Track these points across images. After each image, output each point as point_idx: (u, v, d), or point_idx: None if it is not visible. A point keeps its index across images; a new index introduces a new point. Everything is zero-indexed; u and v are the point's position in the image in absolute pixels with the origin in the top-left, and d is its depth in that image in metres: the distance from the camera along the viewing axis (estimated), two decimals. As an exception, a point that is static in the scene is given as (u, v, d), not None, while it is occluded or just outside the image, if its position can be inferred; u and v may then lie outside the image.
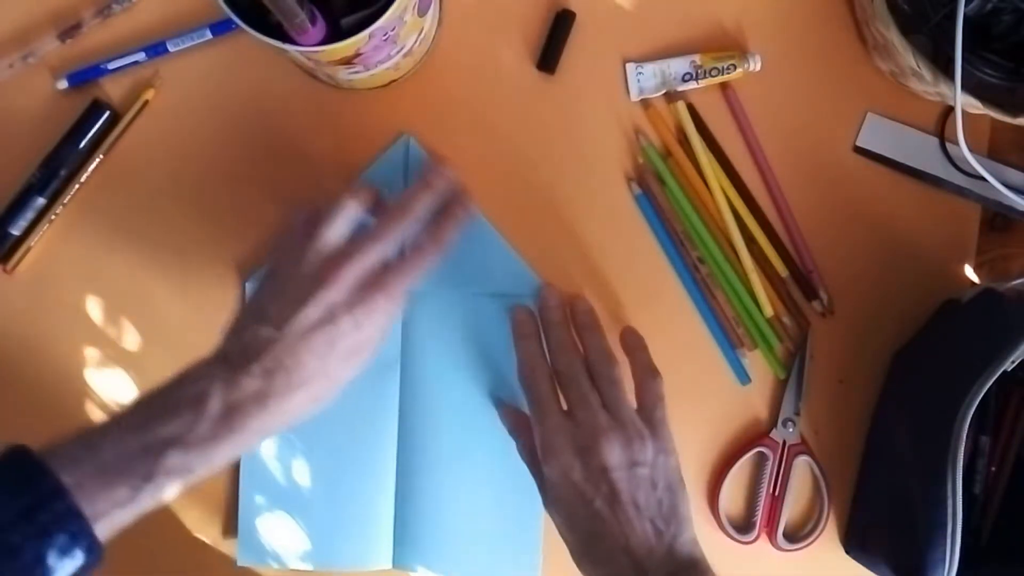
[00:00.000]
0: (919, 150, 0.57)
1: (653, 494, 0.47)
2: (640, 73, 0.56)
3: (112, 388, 0.56)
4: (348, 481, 0.55)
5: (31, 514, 0.36)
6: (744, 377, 0.57)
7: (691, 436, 0.57)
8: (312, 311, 0.44)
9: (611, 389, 0.49)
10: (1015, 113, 0.50)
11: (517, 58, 0.56)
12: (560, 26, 0.55)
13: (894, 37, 0.49)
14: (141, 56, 0.54)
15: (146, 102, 0.55)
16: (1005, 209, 0.57)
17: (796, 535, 0.58)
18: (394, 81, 0.55)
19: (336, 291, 0.44)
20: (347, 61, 0.46)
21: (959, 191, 0.57)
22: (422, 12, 0.48)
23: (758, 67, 0.56)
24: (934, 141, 0.57)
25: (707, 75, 0.55)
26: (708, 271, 0.56)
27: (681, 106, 0.56)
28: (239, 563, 0.55)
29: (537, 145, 0.56)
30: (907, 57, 0.49)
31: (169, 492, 0.41)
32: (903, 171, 0.57)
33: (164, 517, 0.56)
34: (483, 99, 0.56)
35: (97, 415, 0.56)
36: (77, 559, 0.37)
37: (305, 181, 0.56)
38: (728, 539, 0.57)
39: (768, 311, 0.56)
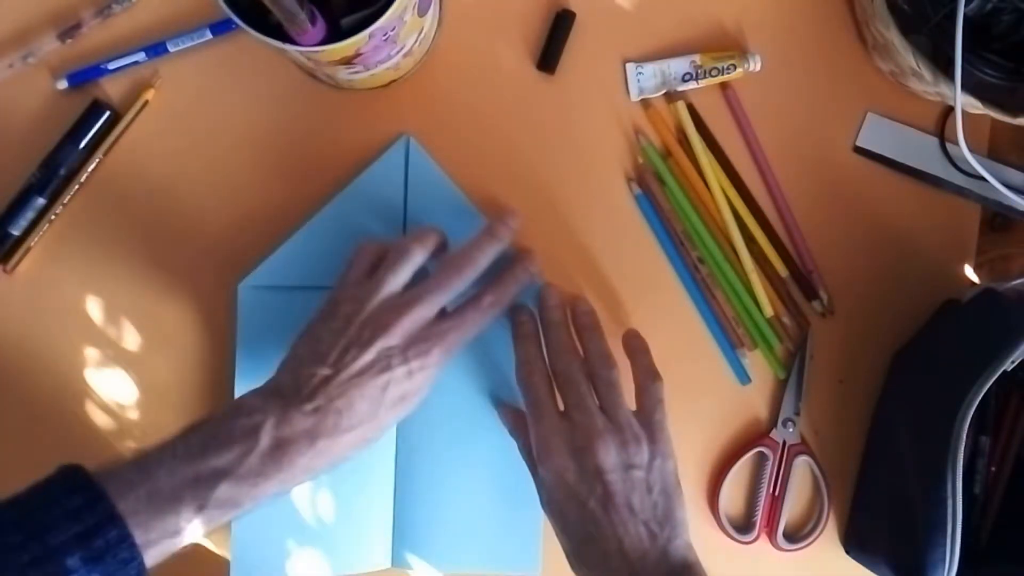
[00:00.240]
0: (919, 150, 0.57)
1: (648, 497, 0.47)
2: (640, 73, 0.56)
3: (112, 388, 0.56)
4: (347, 481, 0.55)
5: (86, 539, 0.36)
6: (744, 377, 0.57)
7: (691, 436, 0.57)
8: (369, 356, 0.44)
9: (609, 391, 0.49)
10: (1015, 113, 0.50)
11: (517, 58, 0.56)
12: (560, 26, 0.55)
13: (894, 37, 0.49)
14: (141, 56, 0.54)
15: (146, 102, 0.55)
16: (1005, 209, 0.57)
17: (796, 535, 0.58)
18: (394, 81, 0.55)
19: (394, 337, 0.45)
20: (347, 61, 0.46)
21: (959, 191, 0.57)
22: (422, 12, 0.48)
23: (758, 67, 0.56)
24: (934, 141, 0.57)
25: (707, 75, 0.55)
26: (708, 271, 0.56)
27: (681, 106, 0.56)
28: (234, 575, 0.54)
29: (537, 145, 0.56)
30: (907, 57, 0.49)
31: (214, 523, 0.41)
32: (903, 171, 0.57)
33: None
34: (483, 99, 0.56)
35: (97, 415, 0.56)
36: None
37: (305, 181, 0.56)
38: (728, 539, 0.57)
39: (768, 311, 0.56)
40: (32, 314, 0.55)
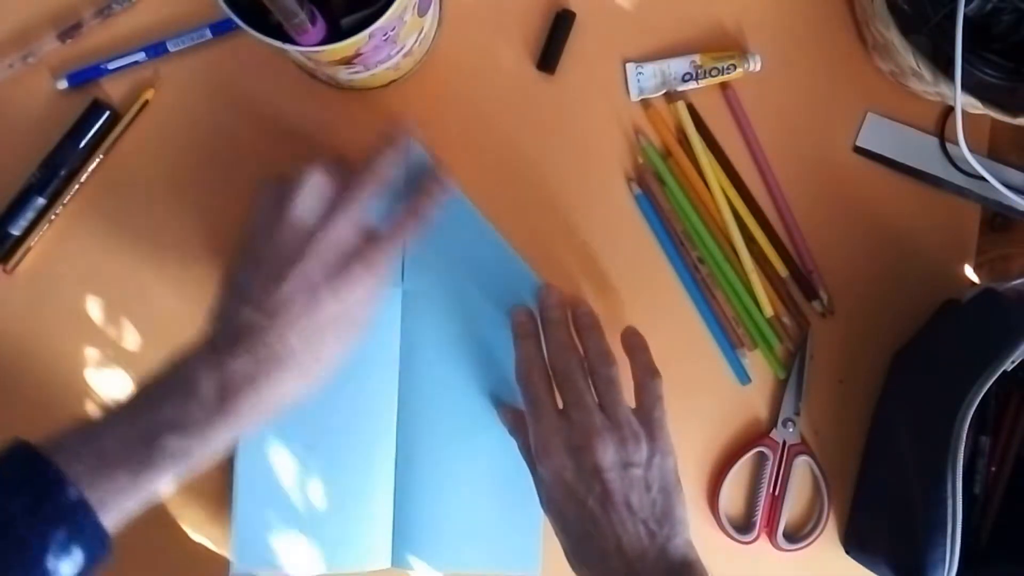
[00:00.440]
0: (919, 150, 0.57)
1: (647, 495, 0.46)
2: (640, 73, 0.56)
3: (112, 388, 0.56)
4: (346, 481, 0.55)
5: (36, 506, 0.36)
6: (744, 377, 0.57)
7: (691, 436, 0.57)
8: (291, 288, 0.43)
9: (608, 389, 0.49)
10: (1015, 113, 0.50)
11: (517, 58, 0.56)
12: (560, 26, 0.55)
13: (894, 37, 0.49)
14: (141, 56, 0.54)
15: (146, 102, 0.55)
16: (1005, 209, 0.57)
17: (796, 535, 0.58)
18: (394, 81, 0.55)
19: (312, 265, 0.44)
20: (347, 61, 0.46)
21: (959, 191, 0.57)
22: (422, 12, 0.48)
23: (758, 67, 0.56)
24: (934, 141, 0.57)
25: (707, 75, 0.55)
26: (708, 271, 0.56)
27: (681, 106, 0.56)
28: (235, 572, 0.54)
29: (537, 145, 0.56)
30: (907, 57, 0.49)
31: (171, 476, 0.41)
32: (903, 171, 0.57)
33: (163, 517, 0.56)
34: (483, 99, 0.56)
35: (97, 414, 0.56)
36: (85, 549, 0.37)
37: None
38: (728, 539, 0.57)
39: (768, 311, 0.56)
40: (32, 314, 0.55)
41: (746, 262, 0.56)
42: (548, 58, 0.55)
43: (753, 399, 0.58)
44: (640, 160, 0.56)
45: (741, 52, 0.56)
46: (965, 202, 0.57)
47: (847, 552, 0.57)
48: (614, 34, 0.56)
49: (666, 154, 0.56)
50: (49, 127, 0.54)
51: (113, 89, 0.55)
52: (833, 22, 0.57)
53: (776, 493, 0.57)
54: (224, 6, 0.42)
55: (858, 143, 0.57)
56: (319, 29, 0.42)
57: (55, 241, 0.55)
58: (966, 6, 0.48)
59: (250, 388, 0.42)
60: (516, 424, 0.52)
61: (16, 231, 0.54)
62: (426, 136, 0.55)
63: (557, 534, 0.48)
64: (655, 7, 0.56)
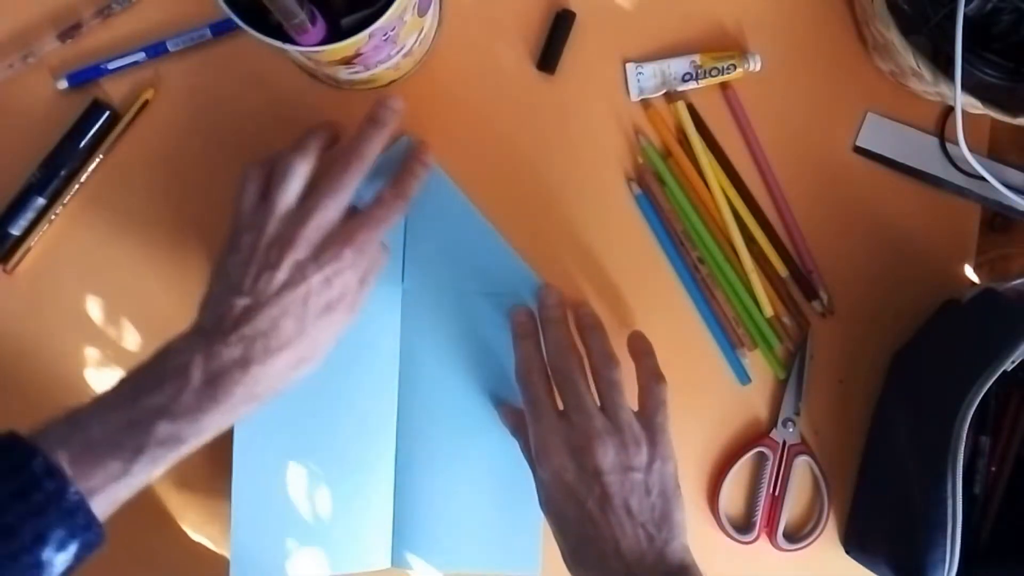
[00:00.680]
0: (919, 150, 0.57)
1: (646, 499, 0.46)
2: (640, 73, 0.56)
3: (112, 388, 0.56)
4: (346, 480, 0.55)
5: (25, 495, 0.36)
6: (744, 377, 0.57)
7: (691, 436, 0.57)
8: (280, 274, 0.44)
9: (610, 391, 0.49)
10: (1015, 113, 0.50)
11: (517, 58, 0.56)
12: (560, 26, 0.55)
13: (894, 37, 0.49)
14: (141, 56, 0.54)
15: (146, 102, 0.55)
16: (1005, 209, 0.57)
17: (796, 535, 0.58)
18: (394, 81, 0.55)
19: (300, 250, 0.44)
20: (347, 61, 0.46)
21: (959, 191, 0.57)
22: (422, 12, 0.48)
23: (758, 67, 0.56)
24: (934, 141, 0.57)
25: (707, 75, 0.55)
26: (708, 271, 0.56)
27: (681, 106, 0.56)
28: (235, 573, 0.54)
29: (537, 145, 0.56)
30: (907, 57, 0.49)
31: (163, 463, 0.41)
32: (903, 171, 0.57)
33: (163, 517, 0.56)
34: (483, 99, 0.56)
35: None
36: (76, 537, 0.37)
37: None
38: (728, 539, 0.57)
39: (768, 311, 0.56)
40: (32, 314, 0.55)
41: (746, 262, 0.56)
42: (548, 58, 0.55)
43: (753, 399, 0.58)
44: (640, 160, 0.56)
45: (741, 52, 0.56)
46: (965, 202, 0.57)
47: (847, 552, 0.57)
48: (614, 34, 0.56)
49: (666, 154, 0.56)
50: (49, 127, 0.54)
51: (113, 89, 0.55)
52: (833, 22, 0.57)
53: (776, 493, 0.57)
54: (224, 6, 0.42)
55: (858, 143, 0.57)
56: (319, 29, 0.42)
57: (55, 241, 0.55)
58: (966, 6, 0.48)
59: (241, 373, 0.42)
60: (517, 425, 0.52)
61: (16, 231, 0.54)
62: (426, 136, 0.55)
63: (555, 535, 0.48)
64: (655, 7, 0.56)
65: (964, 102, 0.49)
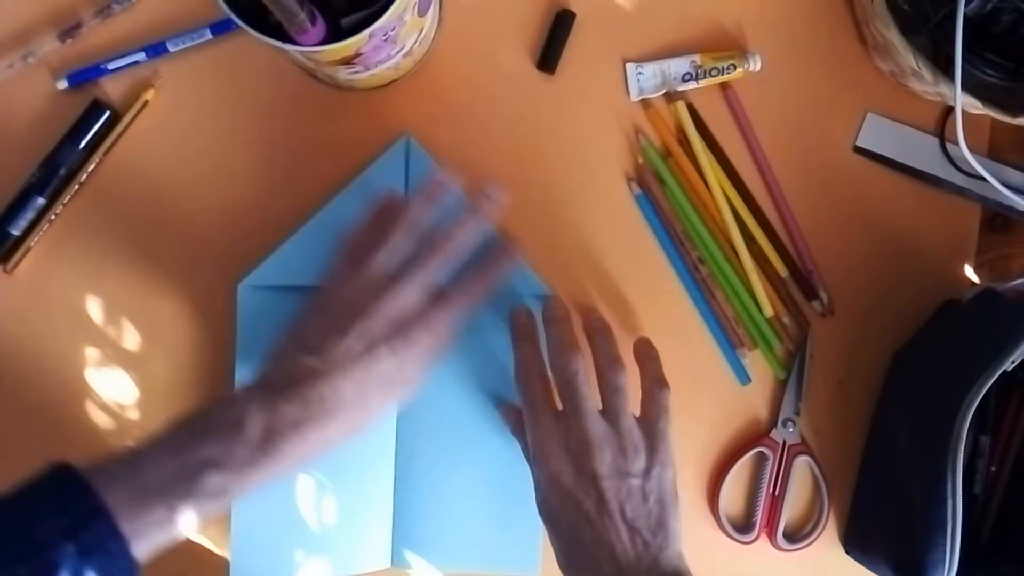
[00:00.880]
0: (919, 150, 0.57)
1: (643, 506, 0.46)
2: (640, 73, 0.56)
3: (112, 388, 0.56)
4: (346, 481, 0.55)
5: (73, 532, 0.36)
6: (744, 377, 0.57)
7: (691, 436, 0.57)
8: (352, 342, 0.44)
9: (613, 395, 0.49)
10: (1015, 113, 0.50)
11: (517, 58, 0.56)
12: (560, 26, 0.55)
13: (894, 37, 0.49)
14: (141, 56, 0.54)
15: (146, 102, 0.55)
16: (1005, 209, 0.57)
17: (796, 535, 0.58)
18: (394, 81, 0.55)
19: (377, 323, 0.45)
20: (347, 61, 0.46)
21: (959, 191, 0.57)
22: (422, 12, 0.48)
23: (758, 67, 0.56)
24: (934, 141, 0.57)
25: (707, 75, 0.55)
26: (708, 271, 0.56)
27: (681, 106, 0.56)
28: (235, 573, 0.54)
29: (537, 145, 0.56)
30: (907, 57, 0.49)
31: (206, 514, 0.41)
32: (903, 171, 0.57)
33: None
34: (483, 99, 0.56)
35: (97, 415, 0.56)
36: None
37: (305, 181, 0.55)
38: (728, 539, 0.57)
39: (768, 311, 0.56)
40: (32, 314, 0.55)
41: (746, 262, 0.56)
42: (548, 58, 0.55)
43: (753, 399, 0.58)
44: (640, 160, 0.56)
45: (741, 52, 0.56)
46: (965, 202, 0.57)
47: (847, 552, 0.57)
48: (614, 34, 0.56)
49: (666, 154, 0.56)
50: (49, 127, 0.54)
51: (113, 89, 0.55)
52: (833, 22, 0.57)
53: (776, 493, 0.57)
54: (224, 6, 0.42)
55: (858, 143, 0.57)
56: (319, 29, 0.42)
57: (55, 241, 0.55)
58: (966, 6, 0.48)
59: (295, 433, 0.42)
60: (518, 425, 0.52)
61: (16, 231, 0.54)
62: (426, 136, 0.55)
63: (550, 538, 0.48)
64: (655, 7, 0.56)
65: (964, 102, 0.49)
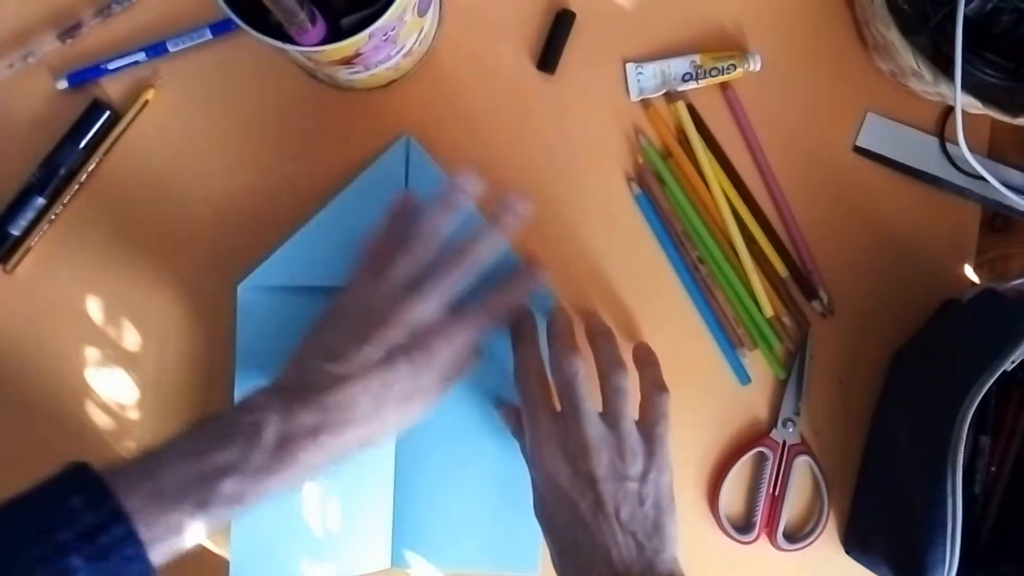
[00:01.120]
0: (919, 150, 0.57)
1: (640, 509, 0.46)
2: (640, 73, 0.56)
3: (112, 388, 0.56)
4: (346, 481, 0.55)
5: (91, 536, 0.36)
6: (744, 377, 0.57)
7: (691, 436, 0.57)
8: (371, 351, 0.44)
9: (615, 397, 0.49)
10: (1015, 113, 0.50)
11: (517, 58, 0.56)
12: (560, 26, 0.55)
13: (894, 37, 0.49)
14: (141, 56, 0.54)
15: (146, 102, 0.55)
16: (1005, 209, 0.57)
17: (796, 535, 0.58)
18: (394, 81, 0.55)
19: (396, 332, 0.44)
20: (347, 61, 0.46)
21: (959, 191, 0.57)
22: (422, 12, 0.48)
23: (758, 67, 0.56)
24: (934, 141, 0.57)
25: (707, 75, 0.55)
26: (708, 271, 0.56)
27: (681, 106, 0.56)
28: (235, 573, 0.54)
29: (537, 145, 0.56)
30: (907, 57, 0.49)
31: (219, 520, 0.41)
32: (903, 171, 0.57)
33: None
34: (483, 99, 0.56)
35: (97, 415, 0.56)
36: None
37: (305, 181, 0.56)
38: (728, 539, 0.57)
39: (768, 311, 0.56)
40: (32, 314, 0.55)
41: (746, 262, 0.56)
42: (548, 58, 0.55)
43: (753, 399, 0.58)
44: (640, 160, 0.56)
45: (741, 52, 0.56)
46: (965, 202, 0.57)
47: (847, 552, 0.57)
48: (614, 34, 0.56)
49: (666, 154, 0.56)
50: (49, 127, 0.54)
51: (113, 89, 0.55)
52: (833, 22, 0.57)
53: (776, 493, 0.57)
54: (224, 6, 0.42)
55: (858, 143, 0.57)
56: (319, 29, 0.42)
57: (55, 241, 0.55)
58: (966, 6, 0.48)
59: (310, 441, 0.42)
60: (518, 426, 0.52)
61: (16, 231, 0.54)
62: (426, 136, 0.55)
63: (546, 539, 0.48)
64: (655, 7, 0.56)
65: (964, 102, 0.49)
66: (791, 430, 0.57)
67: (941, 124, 0.57)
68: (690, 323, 0.57)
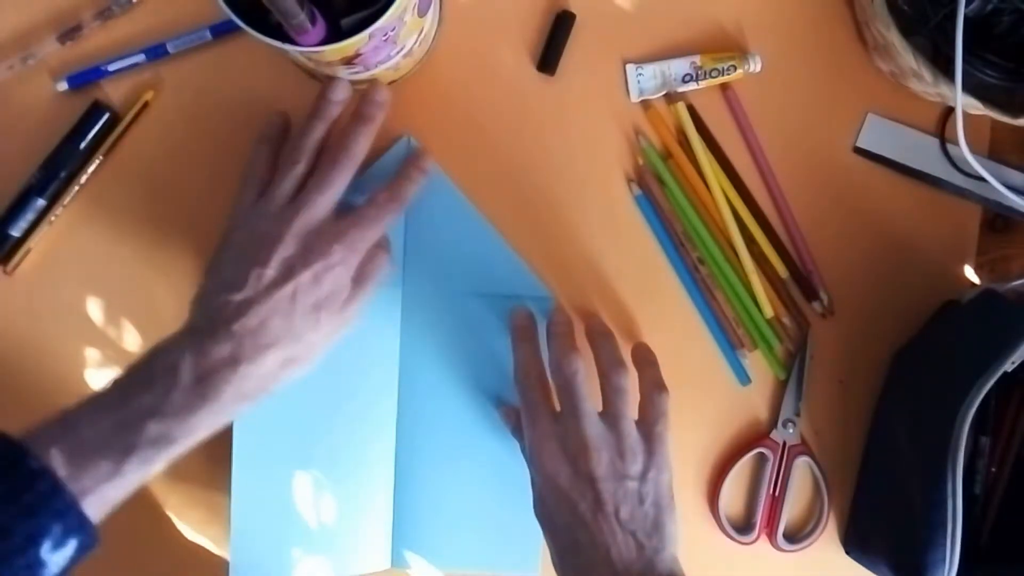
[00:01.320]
0: (919, 151, 0.57)
1: (639, 508, 0.46)
2: (640, 74, 0.56)
3: (112, 389, 0.56)
4: (346, 481, 0.55)
5: (16, 496, 0.36)
6: (744, 378, 0.57)
7: (691, 437, 0.57)
8: (268, 271, 0.44)
9: (615, 397, 0.49)
10: (1015, 114, 0.50)
11: (517, 59, 0.56)
12: (560, 27, 0.55)
13: (894, 38, 0.49)
14: (141, 58, 0.54)
15: (146, 103, 0.55)
16: (1005, 210, 0.57)
17: (796, 535, 0.58)
18: (394, 81, 0.55)
19: (289, 247, 0.44)
20: (347, 61, 0.46)
21: (959, 192, 0.57)
22: (422, 12, 0.48)
23: (758, 68, 0.56)
24: (934, 141, 0.57)
25: (707, 76, 0.55)
26: (708, 272, 0.56)
27: (681, 107, 0.56)
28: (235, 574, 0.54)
29: (537, 146, 0.56)
30: (907, 58, 0.49)
31: (155, 463, 0.41)
32: (903, 172, 0.57)
33: (163, 518, 0.56)
34: (483, 100, 0.56)
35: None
36: (69, 538, 0.37)
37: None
38: (728, 539, 0.57)
39: (768, 312, 0.56)
40: (32, 314, 0.55)
41: (746, 263, 0.56)
42: (548, 59, 0.55)
43: (753, 400, 0.58)
44: (640, 161, 0.56)
45: (741, 53, 0.56)
46: (965, 203, 0.57)
47: (847, 552, 0.57)
48: (614, 35, 0.56)
49: (666, 155, 0.56)
50: (49, 128, 0.54)
51: (113, 91, 0.55)
52: (833, 22, 0.57)
53: (776, 494, 0.57)
54: (224, 7, 0.42)
55: (858, 144, 0.57)
56: (319, 29, 0.42)
57: (55, 242, 0.55)
58: (966, 6, 0.48)
59: (230, 372, 0.42)
60: (518, 426, 0.52)
61: (16, 232, 0.54)
62: (425, 137, 0.55)
63: (546, 539, 0.48)
64: (655, 8, 0.56)
65: (964, 103, 0.49)
66: (791, 430, 0.57)
67: (941, 125, 0.57)
68: (690, 323, 0.57)
